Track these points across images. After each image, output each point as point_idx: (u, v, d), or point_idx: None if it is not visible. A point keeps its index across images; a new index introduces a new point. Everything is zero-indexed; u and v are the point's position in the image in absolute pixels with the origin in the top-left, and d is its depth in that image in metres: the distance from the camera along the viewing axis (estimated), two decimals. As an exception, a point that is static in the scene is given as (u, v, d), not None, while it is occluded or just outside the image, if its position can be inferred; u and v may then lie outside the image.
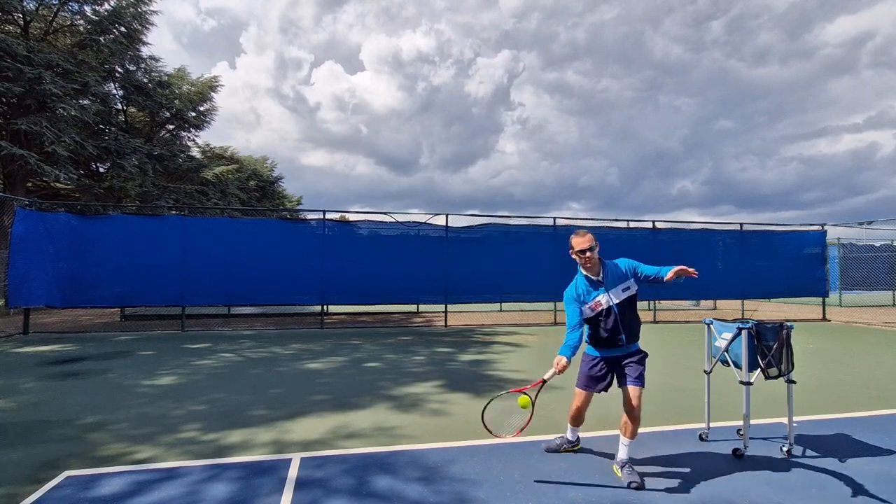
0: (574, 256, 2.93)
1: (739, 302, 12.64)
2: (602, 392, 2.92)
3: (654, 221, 11.59)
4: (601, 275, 2.87)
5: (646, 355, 2.93)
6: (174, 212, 16.82)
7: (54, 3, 14.99)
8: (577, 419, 3.05)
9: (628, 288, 2.87)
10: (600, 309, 2.84)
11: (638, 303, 2.99)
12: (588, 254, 2.84)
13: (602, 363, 2.92)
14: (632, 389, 2.80)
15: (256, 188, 28.02)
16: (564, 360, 2.66)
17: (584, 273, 2.91)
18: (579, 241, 2.88)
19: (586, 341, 2.98)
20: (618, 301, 2.84)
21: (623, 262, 2.96)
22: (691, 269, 2.75)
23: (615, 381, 2.92)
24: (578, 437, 3.18)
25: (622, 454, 2.82)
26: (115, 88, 17.61)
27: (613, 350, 2.89)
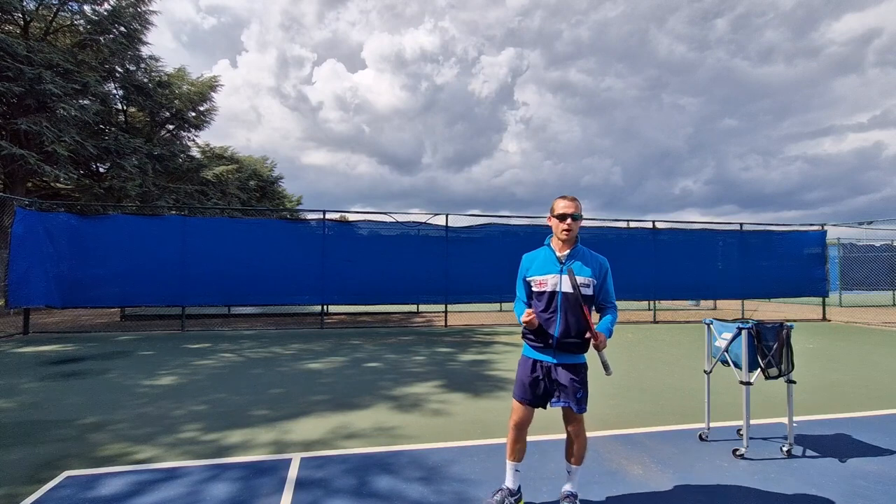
0: (551, 223, 2.45)
1: (739, 302, 12.64)
2: (541, 407, 2.41)
3: (654, 221, 11.59)
4: (566, 254, 2.41)
5: (586, 375, 2.40)
6: (174, 212, 16.81)
7: (54, 3, 14.97)
8: (515, 445, 2.42)
9: (587, 286, 2.35)
10: (543, 290, 2.38)
11: (591, 313, 2.39)
12: (569, 221, 2.36)
13: (535, 367, 2.40)
14: (566, 414, 2.38)
15: (256, 188, 28.00)
16: (525, 314, 2.33)
17: (551, 245, 2.47)
18: (564, 204, 2.38)
19: (522, 338, 2.52)
20: (566, 290, 2.33)
21: (601, 261, 2.46)
22: (599, 342, 2.27)
23: (550, 400, 2.39)
24: (520, 487, 2.48)
25: (567, 485, 2.46)
26: (115, 88, 17.60)
27: (545, 352, 2.38)
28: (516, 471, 2.46)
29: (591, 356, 2.41)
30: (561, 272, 2.36)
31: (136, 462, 2.98)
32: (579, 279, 2.34)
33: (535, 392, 2.38)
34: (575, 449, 2.41)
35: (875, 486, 2.71)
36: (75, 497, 2.52)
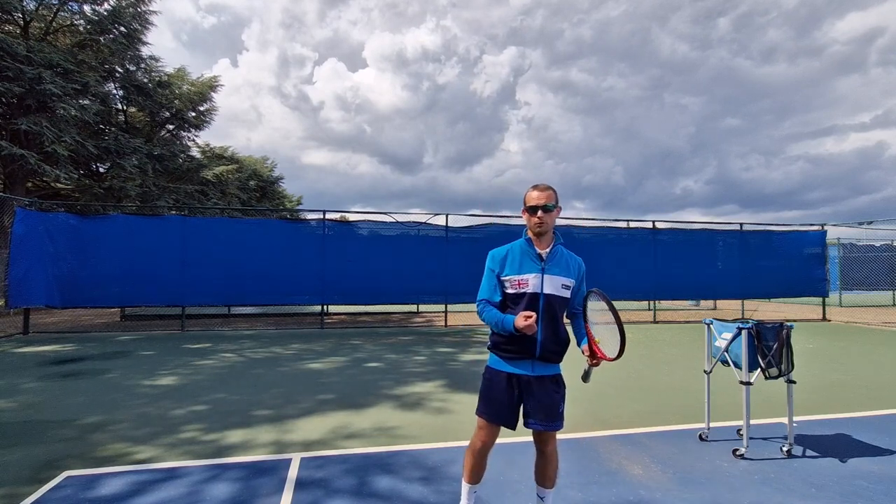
0: (524, 216, 2.16)
1: (739, 302, 12.63)
2: (511, 428, 2.12)
3: (654, 221, 11.59)
4: (548, 252, 2.12)
5: (565, 386, 2.17)
6: (174, 212, 16.82)
7: (54, 2, 14.97)
8: (476, 468, 2.19)
9: (567, 287, 2.11)
10: (524, 290, 2.07)
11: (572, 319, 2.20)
12: (541, 213, 2.07)
13: (505, 381, 2.10)
14: (541, 436, 2.11)
15: (256, 188, 28.03)
16: (523, 317, 1.93)
17: (529, 237, 2.16)
18: (536, 196, 2.09)
19: (488, 348, 2.22)
20: (549, 292, 2.07)
21: (580, 263, 2.22)
22: (598, 361, 2.01)
23: (521, 416, 2.12)
24: None
25: None
26: (115, 88, 17.61)
27: (521, 364, 2.09)
28: (474, 492, 2.24)
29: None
30: (542, 272, 2.08)
31: (136, 462, 2.98)
32: (564, 281, 2.10)
33: (512, 411, 2.10)
34: (549, 471, 2.15)
35: (875, 486, 2.71)
36: (75, 497, 2.52)
